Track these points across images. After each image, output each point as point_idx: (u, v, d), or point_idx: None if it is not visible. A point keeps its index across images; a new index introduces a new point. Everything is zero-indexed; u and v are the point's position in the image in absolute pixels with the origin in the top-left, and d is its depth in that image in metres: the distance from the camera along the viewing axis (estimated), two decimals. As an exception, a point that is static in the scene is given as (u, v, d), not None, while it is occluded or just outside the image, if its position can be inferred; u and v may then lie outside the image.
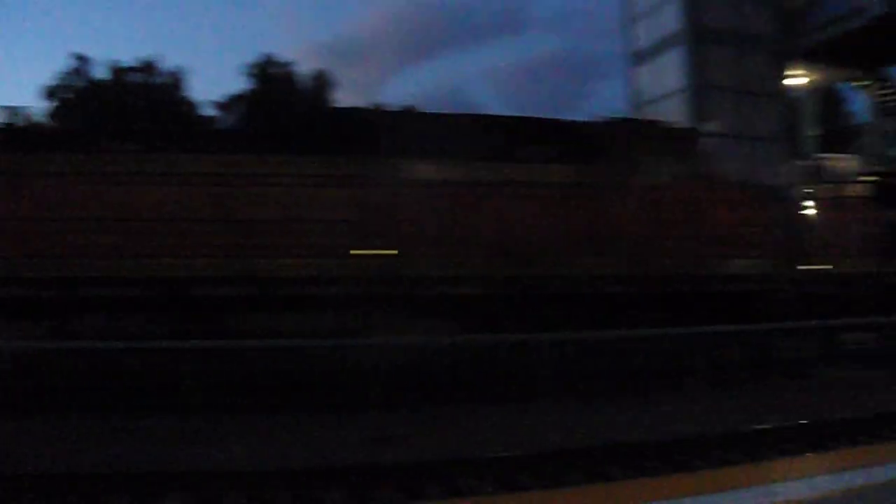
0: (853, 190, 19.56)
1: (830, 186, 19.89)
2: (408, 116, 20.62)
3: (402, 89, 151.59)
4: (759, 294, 17.13)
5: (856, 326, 17.68)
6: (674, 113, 30.66)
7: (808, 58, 32.99)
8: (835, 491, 5.52)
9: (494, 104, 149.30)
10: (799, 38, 32.57)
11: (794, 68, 33.14)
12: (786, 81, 32.98)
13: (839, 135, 45.63)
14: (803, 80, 34.33)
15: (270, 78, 44.68)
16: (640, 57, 33.49)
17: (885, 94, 36.35)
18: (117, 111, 31.00)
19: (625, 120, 18.33)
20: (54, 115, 30.79)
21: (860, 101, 40.42)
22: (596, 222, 15.81)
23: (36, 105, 27.81)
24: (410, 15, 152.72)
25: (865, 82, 36.74)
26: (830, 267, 18.54)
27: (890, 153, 35.70)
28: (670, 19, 31.44)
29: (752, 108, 31.26)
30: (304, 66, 61.65)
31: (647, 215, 16.23)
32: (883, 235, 18.88)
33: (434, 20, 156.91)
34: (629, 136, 16.56)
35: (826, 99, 44.98)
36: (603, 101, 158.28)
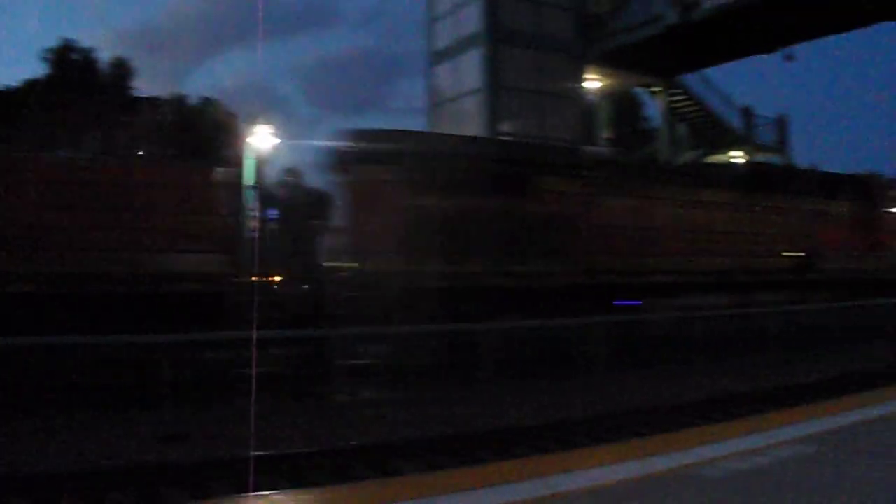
0: (387, 174, 16.25)
1: (367, 169, 16.56)
2: None
3: (207, 79, 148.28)
4: (217, 296, 14.37)
5: (365, 337, 15.01)
6: (471, 112, 31.08)
7: (606, 63, 33.99)
8: (612, 480, 5.62)
9: (300, 99, 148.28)
10: (598, 43, 33.45)
11: (593, 72, 34.11)
12: (584, 85, 33.91)
13: (633, 138, 47.39)
14: (600, 84, 35.44)
15: (69, 64, 42.95)
16: (441, 56, 33.60)
17: (676, 101, 37.92)
18: None
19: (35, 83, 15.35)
20: None
21: (654, 107, 42.02)
22: None
23: None
24: (216, 3, 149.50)
25: (657, 88, 38.18)
26: (357, 265, 16.03)
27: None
28: (470, 20, 31.57)
29: (550, 110, 31.88)
30: (106, 52, 59.44)
31: (43, 201, 13.56)
32: (418, 227, 15.95)
33: (241, 9, 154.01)
34: (39, 102, 14.44)
35: (625, 103, 46.66)
36: (408, 100, 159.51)
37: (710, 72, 38.71)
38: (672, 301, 19.39)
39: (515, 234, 17.23)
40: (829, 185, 25.23)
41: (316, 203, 18.38)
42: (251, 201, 15.66)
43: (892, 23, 31.39)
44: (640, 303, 19.13)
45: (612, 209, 18.90)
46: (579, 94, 33.58)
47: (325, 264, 17.18)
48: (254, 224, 16.04)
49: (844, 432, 7.35)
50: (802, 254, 23.00)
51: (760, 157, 40.08)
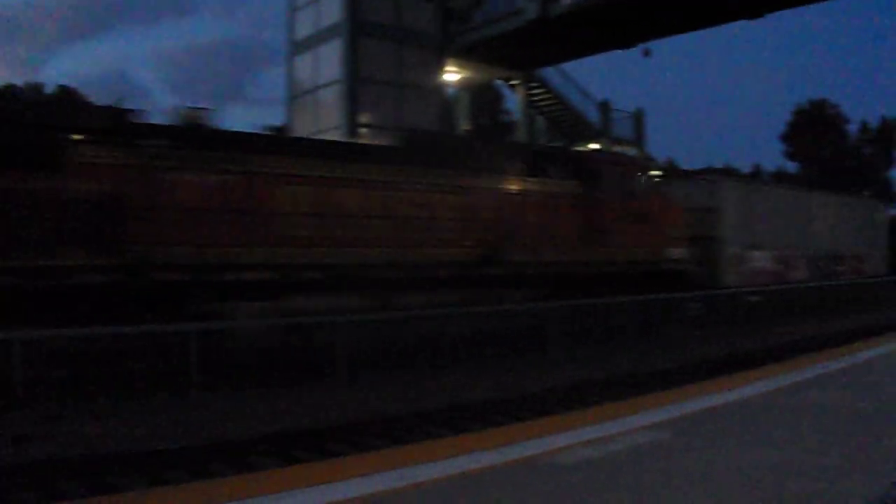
0: None
1: None
2: None
3: (65, 68, 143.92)
4: None
5: None
6: (330, 103, 30.90)
7: (467, 55, 34.22)
8: (470, 469, 5.62)
9: (161, 88, 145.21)
10: (459, 36, 33.65)
11: (453, 65, 34.30)
12: (444, 77, 34.06)
13: (493, 130, 47.87)
14: (461, 77, 35.68)
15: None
16: (301, 46, 33.36)
17: (535, 94, 38.48)
18: None
19: None
20: None
21: (514, 99, 42.56)
22: None
23: None
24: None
25: (516, 81, 38.64)
26: None
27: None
28: (331, 11, 31.39)
29: (411, 103, 31.94)
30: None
31: None
32: None
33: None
34: None
35: (487, 95, 47.06)
36: (270, 90, 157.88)
37: (574, 66, 39.45)
38: (269, 304, 15.49)
39: (24, 219, 13.10)
40: (532, 160, 20.77)
41: None
42: None
43: (749, 21, 32.22)
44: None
45: (181, 187, 14.49)
46: (439, 87, 33.72)
47: None
48: None
49: (696, 418, 7.53)
50: (486, 244, 18.44)
51: (617, 150, 41.09)
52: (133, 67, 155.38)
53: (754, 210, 30.11)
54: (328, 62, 31.44)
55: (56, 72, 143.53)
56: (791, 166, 75.20)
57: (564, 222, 20.21)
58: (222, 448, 9.86)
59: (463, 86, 37.97)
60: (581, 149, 25.20)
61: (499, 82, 44.38)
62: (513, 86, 39.78)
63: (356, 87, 30.39)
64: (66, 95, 48.80)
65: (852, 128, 74.34)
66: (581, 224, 20.47)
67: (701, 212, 26.59)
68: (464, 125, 38.00)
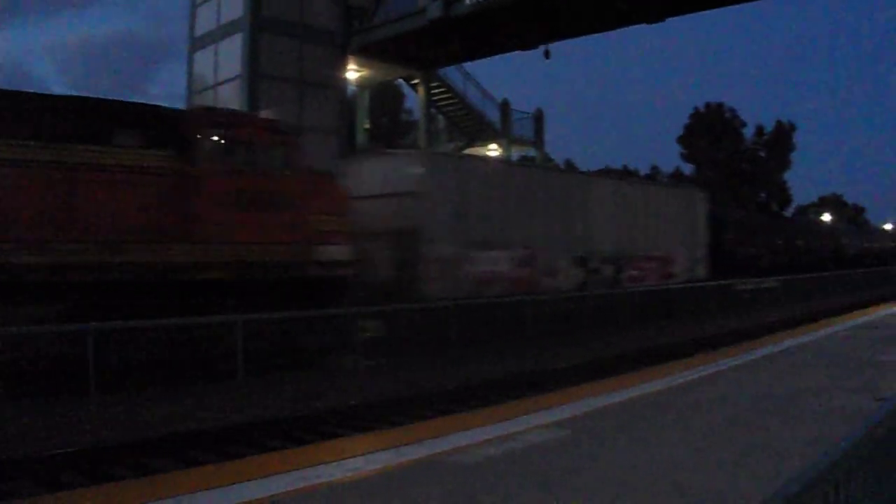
0: None
1: None
2: None
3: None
4: None
5: None
6: (231, 100, 30.58)
7: (369, 53, 34.27)
8: (368, 471, 5.73)
9: (59, 81, 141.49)
10: (362, 34, 33.61)
11: (355, 63, 34.29)
12: (346, 75, 34.00)
13: (393, 129, 47.87)
14: (361, 75, 35.69)
15: None
16: (202, 41, 33.00)
17: (436, 93, 38.67)
18: None
19: None
20: None
21: (415, 98, 42.67)
22: None
23: None
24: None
25: (417, 80, 38.74)
26: None
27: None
28: (232, 6, 31.16)
29: (312, 100, 31.84)
30: None
31: None
32: None
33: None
34: None
35: (389, 94, 46.99)
36: (170, 86, 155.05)
37: (476, 66, 39.62)
38: None
39: None
40: (78, 119, 14.30)
41: None
42: None
43: (648, 24, 32.56)
44: None
45: None
46: (341, 85, 33.65)
47: None
48: None
49: (594, 416, 7.76)
50: None
51: (516, 151, 41.54)
52: (31, 59, 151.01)
53: (486, 197, 22.94)
54: (229, 58, 31.13)
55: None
56: (688, 168, 76.89)
57: (126, 208, 14.29)
58: (122, 450, 9.76)
59: (364, 84, 38.00)
60: (174, 107, 18.32)
61: (400, 81, 44.46)
62: (414, 85, 39.92)
63: (256, 83, 30.18)
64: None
65: (748, 131, 76.29)
66: (160, 210, 14.70)
67: (398, 197, 20.73)
68: (365, 124, 38.04)
